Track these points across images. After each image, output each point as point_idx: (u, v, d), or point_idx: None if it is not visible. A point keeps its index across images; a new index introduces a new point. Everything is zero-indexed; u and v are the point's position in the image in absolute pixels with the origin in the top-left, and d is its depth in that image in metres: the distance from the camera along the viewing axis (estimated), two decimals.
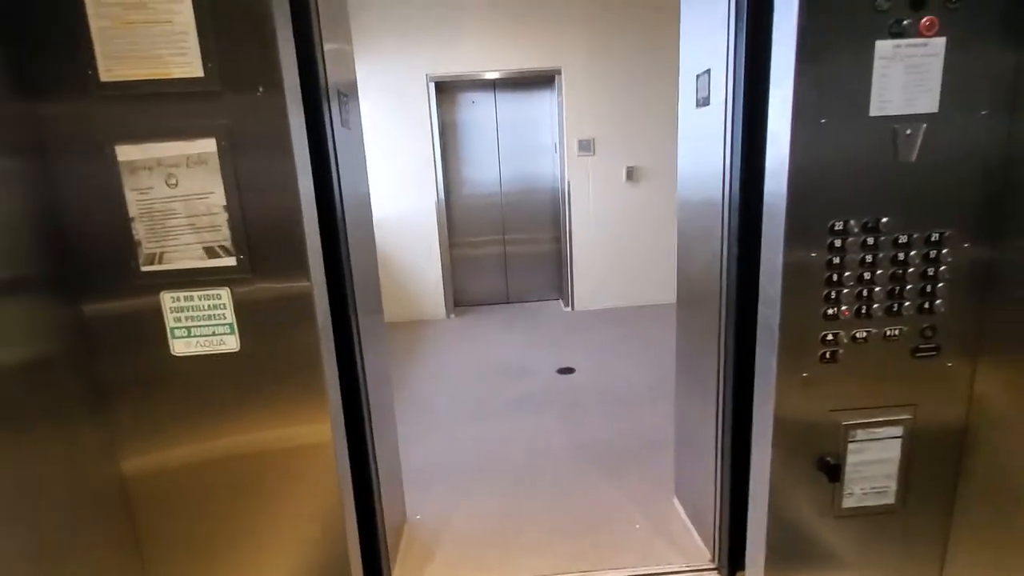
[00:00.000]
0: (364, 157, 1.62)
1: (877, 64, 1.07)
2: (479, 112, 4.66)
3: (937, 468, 1.32)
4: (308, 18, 1.18)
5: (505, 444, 2.48)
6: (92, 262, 1.10)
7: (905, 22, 1.06)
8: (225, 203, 1.08)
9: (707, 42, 1.40)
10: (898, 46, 1.07)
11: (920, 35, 1.07)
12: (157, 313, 1.12)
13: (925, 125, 1.11)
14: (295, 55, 1.13)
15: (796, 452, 1.29)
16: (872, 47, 1.07)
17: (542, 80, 4.51)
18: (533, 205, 4.82)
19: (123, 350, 1.15)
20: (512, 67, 4.34)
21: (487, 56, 4.31)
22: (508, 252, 4.92)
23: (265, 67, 1.03)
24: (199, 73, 1.03)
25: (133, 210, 1.08)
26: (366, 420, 1.43)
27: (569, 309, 4.75)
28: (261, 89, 1.04)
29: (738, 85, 1.28)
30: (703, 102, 1.46)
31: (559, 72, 4.36)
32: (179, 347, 1.13)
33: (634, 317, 4.40)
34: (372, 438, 1.47)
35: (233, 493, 1.26)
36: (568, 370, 3.34)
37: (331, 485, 1.26)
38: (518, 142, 4.71)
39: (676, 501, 1.97)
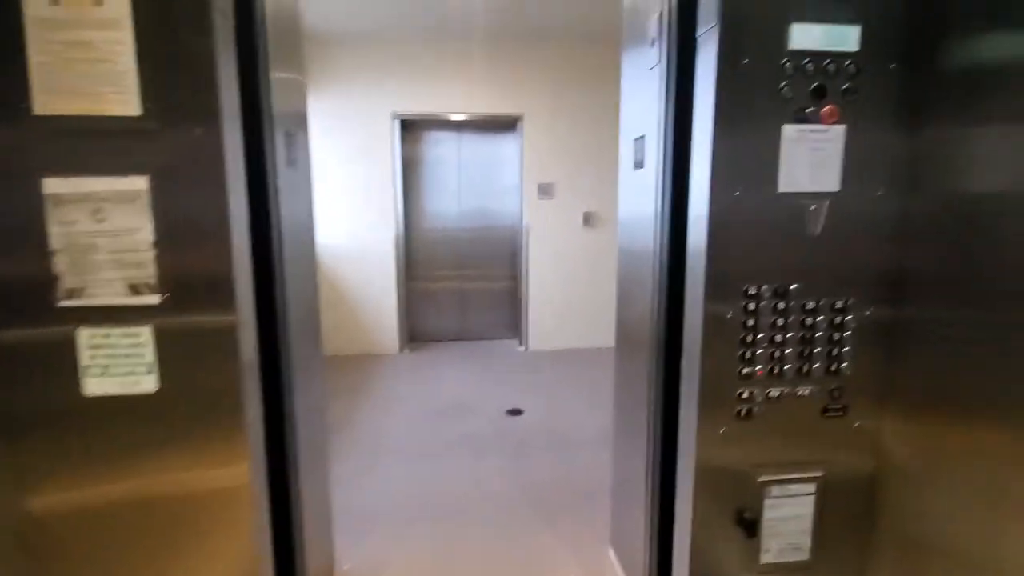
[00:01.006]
0: (310, 191, 1.63)
1: (784, 145, 1.18)
2: (443, 150, 4.75)
3: (849, 524, 1.37)
4: (255, 54, 1.21)
5: (446, 486, 2.44)
6: (7, 290, 1.06)
7: (808, 110, 1.17)
8: (154, 240, 1.07)
9: (643, 112, 1.50)
10: (802, 130, 1.17)
11: (821, 121, 1.18)
12: (71, 350, 1.09)
13: (828, 202, 1.21)
14: (238, 92, 1.15)
15: (717, 506, 1.33)
16: (779, 130, 1.17)
17: (505, 124, 4.65)
18: (492, 243, 4.89)
19: (33, 383, 1.10)
20: (476, 111, 4.47)
21: (453, 98, 4.43)
22: (465, 289, 4.95)
23: (205, 108, 1.05)
24: (137, 112, 1.03)
25: (56, 243, 1.06)
26: (290, 461, 1.40)
27: (523, 348, 4.78)
28: (199, 130, 1.05)
29: (667, 152, 1.37)
30: (639, 164, 1.55)
31: (521, 118, 4.52)
32: (92, 386, 1.10)
33: (587, 359, 4.46)
34: (297, 481, 1.43)
35: (145, 538, 1.19)
36: (517, 411, 3.34)
37: (248, 531, 1.22)
38: (480, 182, 4.81)
39: (611, 550, 1.97)
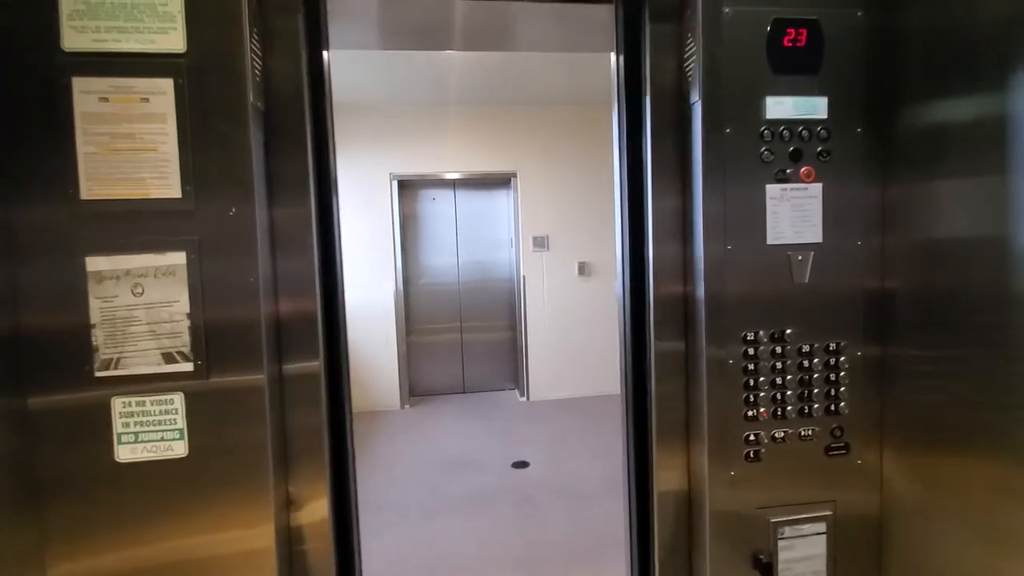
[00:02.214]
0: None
1: (768, 203, 1.29)
2: (439, 207, 4.92)
3: (861, 561, 1.40)
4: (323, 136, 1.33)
5: (455, 545, 2.41)
6: (46, 361, 1.12)
7: (788, 170, 1.29)
8: (189, 310, 1.14)
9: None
10: (784, 189, 1.29)
11: (801, 181, 1.29)
12: (105, 416, 1.13)
13: (813, 252, 1.31)
14: (265, 173, 1.26)
15: (732, 549, 1.35)
16: (764, 189, 1.29)
17: (499, 181, 4.85)
18: (490, 296, 4.98)
19: (64, 449, 1.14)
20: (471, 169, 4.67)
21: (447, 159, 4.64)
22: (465, 341, 4.99)
23: (239, 191, 1.14)
24: (177, 195, 1.13)
25: (95, 317, 1.12)
26: (353, 518, 1.41)
27: (524, 399, 4.78)
28: (234, 210, 1.15)
29: (630, 208, 1.47)
30: None
31: (515, 175, 4.72)
32: (124, 453, 1.13)
33: (588, 407, 4.47)
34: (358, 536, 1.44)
35: None
36: (522, 464, 3.32)
37: None
38: (476, 236, 4.96)
39: None
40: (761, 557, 1.34)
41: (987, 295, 1.09)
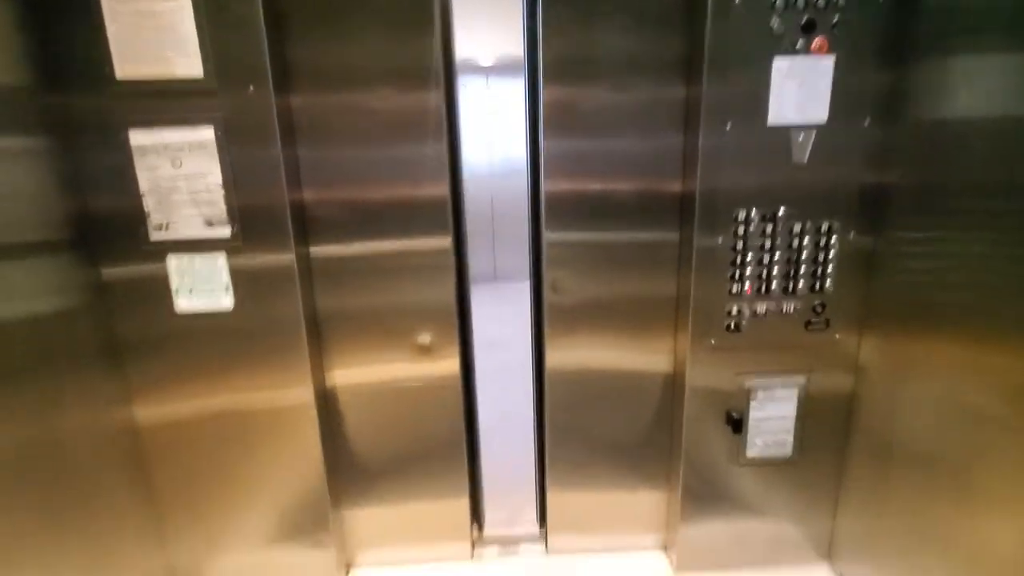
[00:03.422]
0: None
1: (774, 78, 1.26)
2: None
3: (829, 426, 1.54)
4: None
5: None
6: (109, 229, 1.31)
7: (799, 42, 1.25)
8: (221, 182, 1.28)
9: None
10: (793, 62, 1.26)
11: (811, 53, 1.25)
12: (162, 275, 1.34)
13: (815, 131, 1.30)
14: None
15: (707, 408, 1.51)
16: (771, 63, 1.26)
17: None
18: None
19: (134, 308, 1.36)
20: None
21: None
22: None
23: (254, 70, 1.23)
24: (199, 73, 1.22)
25: (144, 186, 1.28)
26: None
27: None
28: (251, 87, 1.24)
29: None
30: None
31: None
32: (182, 304, 1.35)
33: None
34: None
35: (233, 442, 1.48)
36: None
37: (312, 441, 1.50)
38: None
39: None
40: (733, 414, 1.50)
41: (981, 181, 1.09)
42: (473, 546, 1.75)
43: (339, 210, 1.41)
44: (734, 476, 1.58)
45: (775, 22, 1.24)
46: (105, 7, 1.20)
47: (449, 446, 1.62)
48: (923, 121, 1.23)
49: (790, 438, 1.54)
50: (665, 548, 1.74)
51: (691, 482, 1.58)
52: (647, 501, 1.70)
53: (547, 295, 1.49)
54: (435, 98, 1.34)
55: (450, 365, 1.54)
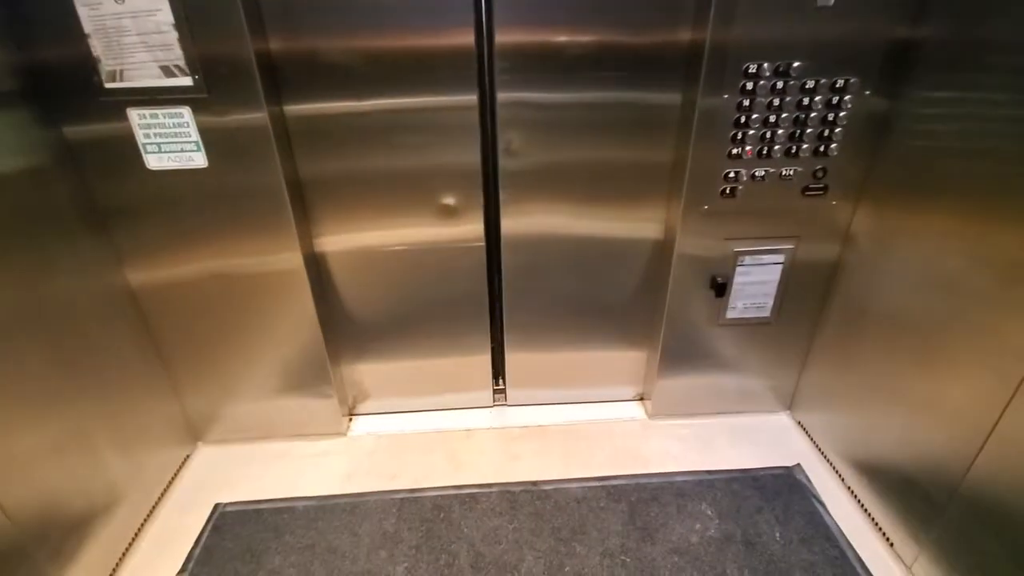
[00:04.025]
0: None
1: None
2: None
3: (810, 291, 1.58)
4: None
5: None
6: (61, 80, 1.18)
7: None
8: (172, 21, 1.14)
9: None
10: None
11: None
12: (129, 132, 1.24)
13: None
14: None
15: (694, 274, 1.54)
16: None
17: None
18: None
19: (106, 169, 1.29)
20: None
21: None
22: None
23: None
24: None
25: (87, 26, 1.14)
26: None
27: None
28: None
29: None
30: None
31: None
32: (152, 162, 1.28)
33: None
34: None
35: (230, 303, 1.50)
36: None
37: (306, 303, 1.52)
38: None
39: None
40: (718, 279, 1.53)
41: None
42: (499, 395, 1.89)
43: (318, 61, 1.28)
44: (712, 336, 1.66)
45: None
46: None
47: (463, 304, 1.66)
48: None
49: (770, 301, 1.59)
50: (642, 399, 1.89)
51: (671, 342, 1.66)
52: (628, 359, 1.81)
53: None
54: None
55: (474, 229, 1.53)
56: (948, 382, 1.18)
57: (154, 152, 1.26)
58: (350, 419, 1.85)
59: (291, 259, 1.44)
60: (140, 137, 1.25)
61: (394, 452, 1.71)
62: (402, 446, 1.73)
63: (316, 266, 1.55)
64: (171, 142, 1.25)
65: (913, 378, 1.28)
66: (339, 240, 1.53)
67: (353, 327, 1.69)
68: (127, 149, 1.26)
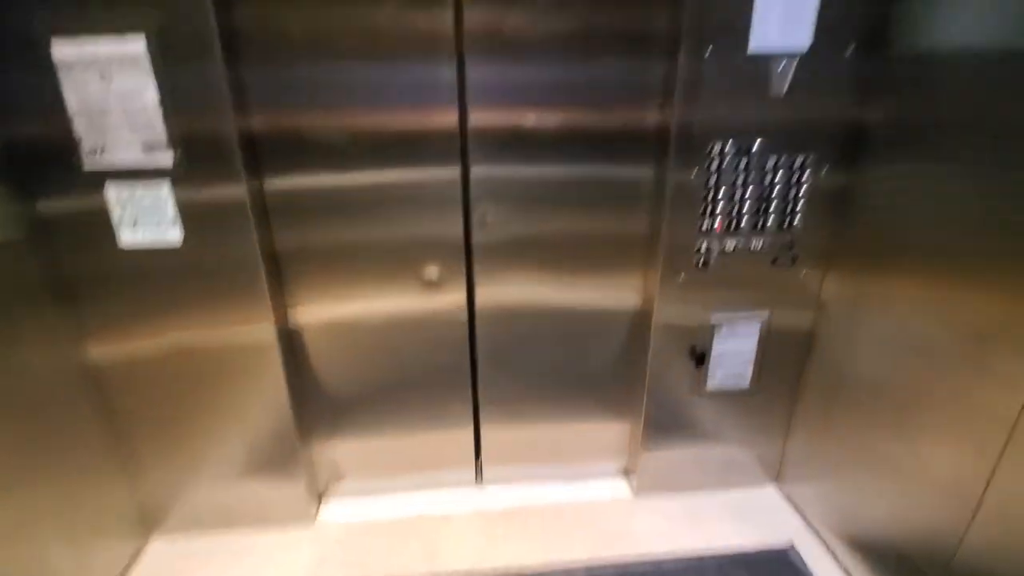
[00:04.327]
0: None
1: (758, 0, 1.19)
2: None
3: (787, 359, 1.60)
4: None
5: None
6: (41, 157, 1.19)
7: None
8: (158, 101, 1.17)
9: None
10: None
11: None
12: (103, 208, 1.24)
13: (796, 61, 1.25)
14: None
15: (672, 344, 1.54)
16: None
17: None
18: None
19: (78, 243, 1.27)
20: None
21: None
22: None
23: None
24: None
25: (73, 107, 1.16)
26: None
27: None
28: None
29: None
30: None
31: None
32: (126, 237, 1.26)
33: None
34: None
35: (196, 380, 1.44)
36: None
37: (277, 379, 1.47)
38: None
39: None
40: (697, 348, 1.53)
41: (966, 117, 1.07)
42: (478, 473, 1.80)
43: (300, 137, 1.31)
44: (695, 406, 1.64)
45: None
46: None
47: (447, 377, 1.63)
48: (909, 52, 1.19)
49: (749, 370, 1.59)
50: (626, 474, 1.83)
51: (653, 413, 1.63)
52: (611, 432, 1.76)
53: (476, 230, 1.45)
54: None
55: (456, 301, 1.53)
56: (931, 450, 1.17)
57: (128, 227, 1.25)
58: (319, 504, 1.73)
59: (263, 331, 1.41)
60: (116, 212, 1.24)
61: (366, 540, 1.59)
62: (375, 533, 1.62)
63: (289, 339, 1.51)
64: (147, 217, 1.25)
65: (896, 446, 1.27)
66: (315, 311, 1.50)
67: (326, 402, 1.62)
68: (101, 224, 1.25)
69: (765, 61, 1.25)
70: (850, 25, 1.23)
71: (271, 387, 1.48)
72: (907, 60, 1.20)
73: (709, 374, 1.58)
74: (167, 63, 1.14)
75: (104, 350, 1.38)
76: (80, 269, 1.30)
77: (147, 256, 1.29)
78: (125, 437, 1.47)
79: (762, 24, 1.21)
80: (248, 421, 1.51)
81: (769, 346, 1.56)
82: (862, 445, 1.38)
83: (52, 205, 1.23)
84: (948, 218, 1.12)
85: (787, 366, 1.61)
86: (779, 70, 1.25)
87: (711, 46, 1.22)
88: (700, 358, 1.54)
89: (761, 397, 1.64)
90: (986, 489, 1.03)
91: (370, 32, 1.24)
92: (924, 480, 1.19)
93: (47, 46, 1.11)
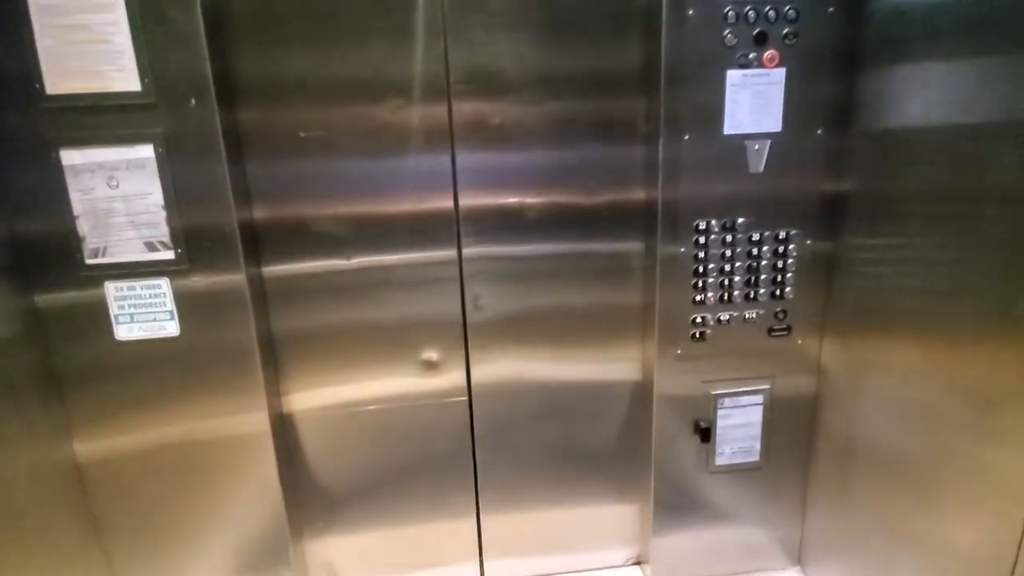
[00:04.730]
0: None
1: (728, 90, 1.28)
2: None
3: (794, 430, 1.56)
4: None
5: None
6: (42, 255, 1.22)
7: (751, 55, 1.27)
8: (163, 202, 1.21)
9: None
10: (745, 75, 1.27)
11: (763, 66, 1.27)
12: (101, 302, 1.25)
13: (770, 141, 1.32)
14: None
15: (676, 417, 1.51)
16: (724, 76, 1.27)
17: None
18: None
19: (72, 337, 1.27)
20: None
21: None
22: None
23: (196, 83, 1.17)
24: (136, 87, 1.15)
25: (77, 209, 1.20)
26: None
27: None
28: (193, 101, 1.18)
29: None
30: None
31: None
32: (122, 332, 1.27)
33: None
34: None
35: (184, 475, 1.39)
36: None
37: (269, 470, 1.42)
38: None
39: None
40: (701, 423, 1.50)
41: (931, 187, 1.12)
42: (481, 569, 1.69)
43: (297, 227, 1.36)
44: (705, 485, 1.58)
45: (728, 35, 1.25)
46: (35, 20, 1.12)
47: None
48: (873, 130, 1.27)
49: (757, 444, 1.55)
50: (639, 563, 1.72)
51: (662, 494, 1.56)
52: (619, 515, 1.68)
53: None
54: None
55: (456, 382, 1.51)
56: (952, 524, 1.12)
57: (125, 323, 1.26)
58: None
59: (256, 421, 1.37)
60: (114, 308, 1.25)
61: None
62: None
63: (283, 427, 1.47)
64: (145, 312, 1.26)
65: (917, 520, 1.21)
66: (311, 397, 1.48)
67: (320, 495, 1.55)
68: (97, 319, 1.26)
69: (740, 142, 1.32)
70: (816, 109, 1.32)
71: (262, 480, 1.42)
72: (870, 137, 1.27)
73: (717, 450, 1.53)
74: (173, 164, 1.20)
75: (87, 445, 1.34)
76: (71, 363, 1.29)
77: (140, 347, 1.28)
78: (107, 536, 1.40)
79: (734, 112, 1.29)
80: (238, 518, 1.44)
81: (775, 417, 1.53)
82: (882, 519, 1.31)
83: (49, 299, 1.25)
84: (927, 284, 1.14)
85: (796, 437, 1.56)
86: (755, 149, 1.32)
87: (688, 132, 1.30)
88: (705, 433, 1.50)
89: (773, 472, 1.58)
90: (1015, 566, 0.97)
91: (368, 127, 1.32)
92: (950, 556, 1.12)
93: (56, 151, 1.17)
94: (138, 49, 1.14)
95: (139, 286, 1.24)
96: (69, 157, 1.17)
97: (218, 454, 1.39)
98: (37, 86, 1.14)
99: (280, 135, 1.30)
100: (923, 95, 1.13)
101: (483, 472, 1.59)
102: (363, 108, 1.31)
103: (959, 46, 1.04)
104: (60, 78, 1.14)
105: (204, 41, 1.15)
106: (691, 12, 1.24)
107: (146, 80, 1.15)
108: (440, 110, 1.33)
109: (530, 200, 1.41)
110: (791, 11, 1.25)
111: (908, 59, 1.16)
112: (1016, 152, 0.94)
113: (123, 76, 1.15)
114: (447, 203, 1.38)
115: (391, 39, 1.28)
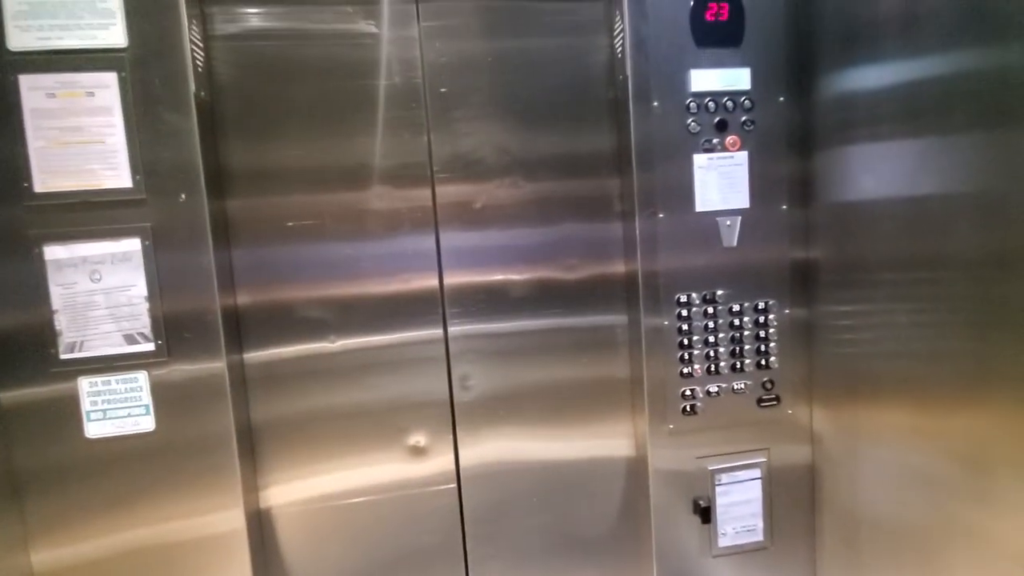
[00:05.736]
0: None
1: (696, 172, 1.36)
2: None
3: (796, 506, 1.51)
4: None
5: None
6: (12, 351, 1.18)
7: (714, 140, 1.36)
8: (146, 294, 1.20)
9: None
10: (711, 158, 1.36)
11: (727, 150, 1.36)
12: (73, 398, 1.20)
13: (740, 217, 1.39)
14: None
15: (673, 497, 1.45)
16: (691, 159, 1.36)
17: None
18: None
19: (37, 437, 1.20)
20: None
21: None
22: None
23: (187, 178, 1.20)
24: (128, 184, 1.18)
25: (56, 303, 1.18)
26: None
27: None
28: (183, 196, 1.20)
29: None
30: None
31: None
32: (93, 430, 1.21)
33: None
34: None
35: None
36: None
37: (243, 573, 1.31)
38: None
39: None
40: (700, 502, 1.44)
41: (894, 255, 1.17)
42: None
43: (281, 311, 1.35)
44: (710, 570, 1.49)
45: (691, 123, 1.35)
46: (28, 123, 1.16)
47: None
48: (832, 204, 1.35)
49: (760, 522, 1.49)
50: None
51: None
52: None
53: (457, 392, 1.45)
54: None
55: (444, 467, 1.45)
56: None
57: (97, 420, 1.20)
58: None
59: (231, 519, 1.28)
60: (86, 405, 1.20)
61: None
62: None
63: (260, 524, 1.37)
64: (119, 407, 1.21)
65: None
66: (290, 491, 1.40)
67: None
68: (67, 416, 1.20)
69: (713, 218, 1.38)
70: (779, 186, 1.40)
71: None
72: (831, 211, 1.35)
73: (719, 531, 1.47)
74: (159, 256, 1.20)
75: (48, 555, 1.22)
76: (32, 464, 1.20)
77: (110, 444, 1.21)
78: None
79: (703, 193, 1.37)
80: None
81: (776, 491, 1.49)
82: None
83: (15, 396, 1.19)
84: (905, 348, 1.17)
85: (799, 512, 1.51)
86: (727, 224, 1.38)
87: (662, 211, 1.36)
88: (705, 513, 1.44)
89: (780, 552, 1.51)
90: None
91: (354, 213, 1.36)
92: None
93: (40, 246, 1.17)
94: (132, 148, 1.18)
95: (115, 380, 1.20)
96: (53, 252, 1.17)
97: (188, 557, 1.28)
98: (25, 184, 1.16)
99: (267, 222, 1.33)
100: (871, 172, 1.22)
101: (474, 565, 1.49)
102: (349, 196, 1.36)
103: (898, 130, 1.14)
104: (50, 176, 1.17)
105: (198, 140, 1.20)
106: (656, 104, 1.34)
107: (137, 177, 1.19)
108: (424, 194, 1.38)
109: (514, 277, 1.44)
110: (746, 101, 1.37)
111: (854, 141, 1.26)
112: (965, 220, 1.00)
113: (115, 174, 1.18)
114: (432, 282, 1.40)
115: (374, 135, 1.35)
